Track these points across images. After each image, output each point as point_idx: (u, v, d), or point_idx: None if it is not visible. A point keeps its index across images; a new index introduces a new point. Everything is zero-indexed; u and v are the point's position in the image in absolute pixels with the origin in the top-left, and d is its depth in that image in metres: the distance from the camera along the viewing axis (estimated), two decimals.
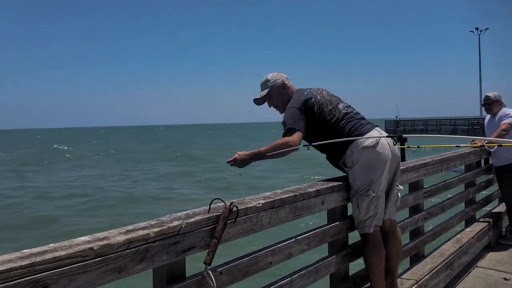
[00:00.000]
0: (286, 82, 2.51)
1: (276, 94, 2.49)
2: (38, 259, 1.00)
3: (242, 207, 1.60)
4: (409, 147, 3.09)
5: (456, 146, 3.97)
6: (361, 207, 2.26)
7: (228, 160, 2.33)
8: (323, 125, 2.32)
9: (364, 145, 2.24)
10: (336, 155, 2.36)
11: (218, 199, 1.55)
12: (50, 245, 1.10)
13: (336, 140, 2.23)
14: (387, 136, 2.31)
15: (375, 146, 2.25)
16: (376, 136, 2.28)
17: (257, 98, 2.52)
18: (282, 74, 2.54)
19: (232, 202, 1.55)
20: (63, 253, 1.05)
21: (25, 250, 1.04)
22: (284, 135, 2.28)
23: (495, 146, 4.26)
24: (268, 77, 2.52)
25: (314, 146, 2.41)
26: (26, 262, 0.97)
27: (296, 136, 2.24)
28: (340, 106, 2.40)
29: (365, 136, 2.26)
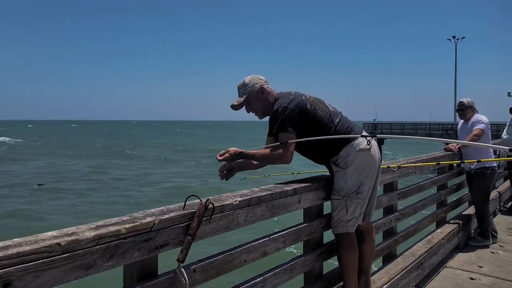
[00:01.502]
0: (265, 86, 2.37)
1: (254, 99, 2.35)
2: (1, 254, 0.95)
3: (219, 204, 1.58)
4: (389, 167, 3.09)
5: (437, 164, 3.93)
6: (349, 208, 2.27)
7: (219, 157, 2.28)
8: (318, 123, 2.26)
9: (361, 147, 2.25)
10: (327, 153, 2.32)
11: (194, 195, 1.52)
12: (15, 239, 1.05)
13: (330, 137, 2.20)
14: (372, 137, 2.29)
15: (369, 149, 2.27)
16: (367, 139, 2.27)
17: (235, 104, 2.35)
18: (261, 77, 2.39)
19: (208, 199, 1.52)
20: (27, 248, 1.00)
21: None
22: (280, 147, 2.20)
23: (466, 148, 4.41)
24: (246, 81, 2.37)
25: (298, 150, 2.36)
26: None
27: (291, 151, 2.21)
28: (328, 105, 2.40)
29: (359, 139, 2.26)
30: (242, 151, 2.30)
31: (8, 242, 1.02)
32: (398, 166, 3.15)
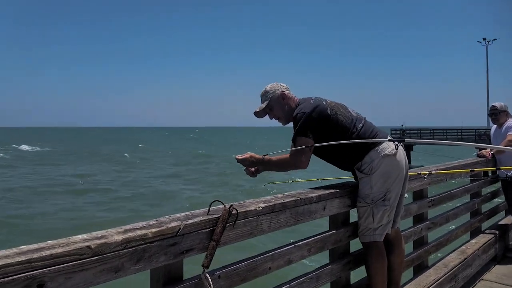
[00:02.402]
0: (286, 92, 2.39)
1: (276, 106, 2.39)
2: (35, 255, 1.00)
3: (242, 210, 1.59)
4: (419, 174, 3.01)
5: (470, 171, 3.69)
6: (376, 215, 2.23)
7: (239, 157, 2.35)
8: (339, 128, 2.24)
9: (386, 152, 2.22)
10: (351, 159, 2.30)
11: (218, 201, 1.55)
12: (48, 242, 1.10)
13: (358, 141, 2.19)
14: (399, 142, 2.23)
15: (395, 154, 2.23)
16: (393, 144, 2.23)
17: (257, 111, 2.41)
18: (282, 84, 2.44)
19: (231, 205, 1.54)
20: (60, 250, 1.05)
21: (22, 246, 1.05)
22: (295, 153, 2.23)
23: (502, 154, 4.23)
24: (267, 88, 2.42)
25: (319, 155, 2.35)
26: (23, 258, 0.97)
27: (307, 156, 2.21)
28: (350, 110, 2.38)
29: (383, 144, 2.22)
30: (258, 157, 2.34)
31: (42, 244, 1.07)
32: (428, 172, 3.06)
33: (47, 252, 1.02)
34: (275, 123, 2.49)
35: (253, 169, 2.41)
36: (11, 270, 0.94)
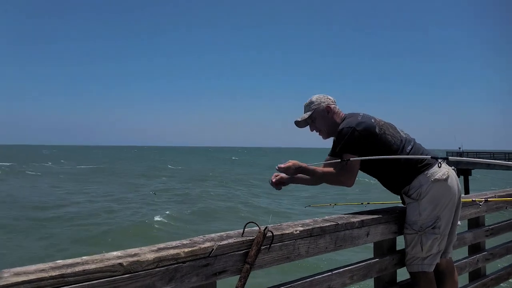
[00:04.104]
0: (332, 105, 2.31)
1: (319, 118, 2.30)
2: (69, 271, 1.01)
3: (278, 233, 1.54)
4: (474, 200, 2.78)
5: None
6: (425, 244, 2.09)
7: (281, 166, 2.26)
8: (386, 148, 2.14)
9: (436, 177, 2.08)
10: (398, 183, 2.19)
11: (253, 222, 1.51)
12: (83, 257, 1.12)
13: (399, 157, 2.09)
14: (443, 160, 2.08)
15: (446, 179, 2.10)
16: (445, 169, 2.11)
17: (298, 121, 2.34)
18: (329, 97, 2.34)
19: (266, 227, 1.50)
20: (93, 266, 1.06)
21: (59, 261, 1.07)
22: (342, 168, 2.13)
23: None
24: (313, 99, 2.34)
25: (365, 171, 2.25)
26: (57, 273, 0.99)
27: (354, 173, 2.12)
28: (399, 130, 2.27)
29: (433, 168, 2.09)
30: (303, 165, 2.24)
31: (77, 259, 1.09)
32: (484, 200, 2.83)
33: (80, 268, 1.04)
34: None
35: (284, 179, 2.32)
36: (44, 284, 0.96)
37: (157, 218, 15.76)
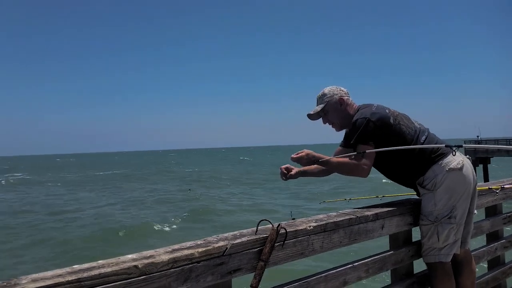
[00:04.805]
0: (345, 97, 2.27)
1: (332, 110, 2.27)
2: (85, 275, 1.03)
3: (292, 230, 1.54)
4: (490, 188, 2.73)
5: None
6: (441, 234, 2.06)
7: (294, 156, 2.21)
8: (401, 139, 2.11)
9: (451, 167, 2.05)
10: (412, 174, 2.16)
11: (266, 220, 1.51)
12: (99, 261, 1.14)
13: (416, 147, 2.05)
14: (457, 148, 2.00)
15: (461, 168, 2.06)
16: (460, 158, 2.08)
17: (311, 114, 2.31)
18: (342, 89, 2.31)
19: (279, 224, 1.50)
20: (109, 270, 1.08)
21: (75, 266, 1.09)
22: (357, 158, 2.09)
23: None
24: (325, 91, 2.30)
25: (380, 169, 2.23)
26: (73, 277, 1.01)
27: (369, 164, 2.08)
28: (414, 121, 2.23)
29: (448, 157, 2.06)
30: (317, 156, 2.19)
31: (93, 264, 1.11)
32: (501, 187, 2.77)
33: (96, 272, 1.05)
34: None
35: (293, 172, 2.24)
36: None
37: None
